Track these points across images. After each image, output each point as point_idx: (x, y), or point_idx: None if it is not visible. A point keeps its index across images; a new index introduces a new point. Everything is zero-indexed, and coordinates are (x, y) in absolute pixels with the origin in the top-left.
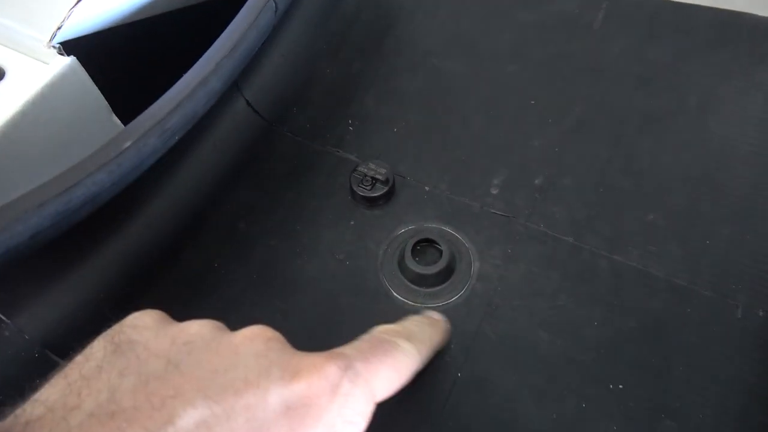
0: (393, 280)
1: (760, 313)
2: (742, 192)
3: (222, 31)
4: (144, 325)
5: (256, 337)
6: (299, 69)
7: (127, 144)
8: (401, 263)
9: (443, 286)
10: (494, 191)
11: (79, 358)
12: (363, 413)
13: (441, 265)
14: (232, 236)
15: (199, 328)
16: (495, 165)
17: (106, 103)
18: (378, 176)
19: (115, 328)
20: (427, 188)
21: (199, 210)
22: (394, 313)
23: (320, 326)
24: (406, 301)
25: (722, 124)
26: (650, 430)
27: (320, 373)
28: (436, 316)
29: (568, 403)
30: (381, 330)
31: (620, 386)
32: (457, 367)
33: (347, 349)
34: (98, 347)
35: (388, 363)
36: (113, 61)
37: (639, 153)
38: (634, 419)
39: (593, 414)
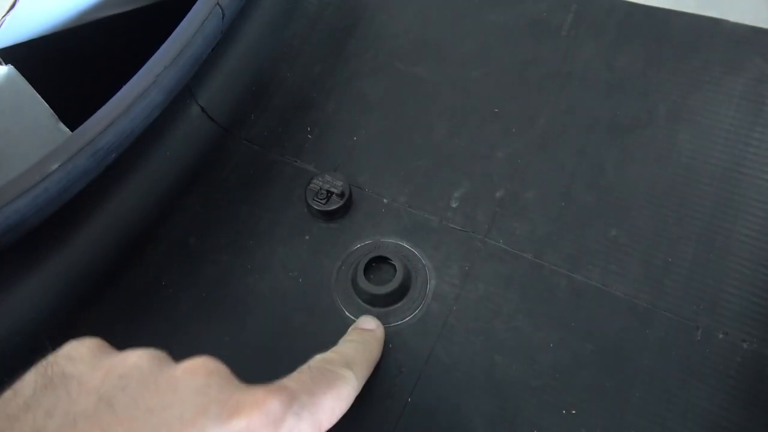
0: (346, 299)
1: (720, 336)
2: (708, 209)
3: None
4: (79, 357)
5: (197, 370)
6: (257, 73)
7: (54, 167)
8: (354, 282)
9: (397, 305)
10: (454, 204)
11: (7, 394)
12: None
13: (394, 284)
14: (181, 252)
15: (137, 359)
16: (456, 177)
17: (51, 111)
18: (334, 189)
19: (50, 360)
20: (385, 201)
21: (147, 224)
22: (345, 333)
23: (272, 348)
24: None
25: (691, 137)
26: None
27: (261, 410)
28: (368, 324)
29: (520, 430)
30: (320, 360)
31: (573, 412)
32: (408, 392)
33: (290, 382)
34: (29, 382)
35: (332, 393)
36: (59, 68)
37: (604, 166)
38: None
39: None
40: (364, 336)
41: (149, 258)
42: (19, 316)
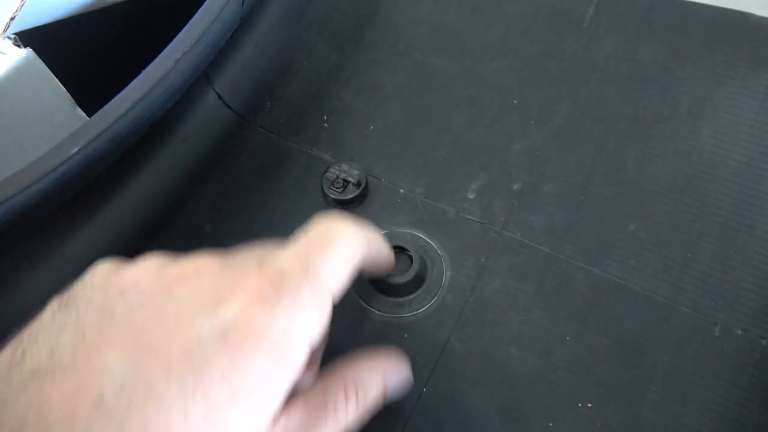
0: (362, 288)
1: (739, 332)
2: (729, 205)
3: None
4: (91, 283)
5: (188, 273)
6: (274, 61)
7: (74, 150)
8: None
9: (413, 295)
10: (471, 196)
11: (32, 323)
12: (314, 322)
13: (410, 275)
14: (196, 239)
15: (136, 271)
16: (473, 168)
17: (68, 95)
18: (350, 178)
19: (68, 289)
20: (401, 191)
21: (162, 211)
22: (361, 323)
23: None
24: (373, 310)
25: (713, 132)
26: None
27: (253, 296)
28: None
29: (535, 422)
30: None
31: (589, 406)
32: (423, 382)
33: (283, 257)
34: (48, 309)
35: (330, 257)
36: (77, 52)
37: (624, 160)
38: None
39: None
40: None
41: (164, 245)
42: (37, 299)
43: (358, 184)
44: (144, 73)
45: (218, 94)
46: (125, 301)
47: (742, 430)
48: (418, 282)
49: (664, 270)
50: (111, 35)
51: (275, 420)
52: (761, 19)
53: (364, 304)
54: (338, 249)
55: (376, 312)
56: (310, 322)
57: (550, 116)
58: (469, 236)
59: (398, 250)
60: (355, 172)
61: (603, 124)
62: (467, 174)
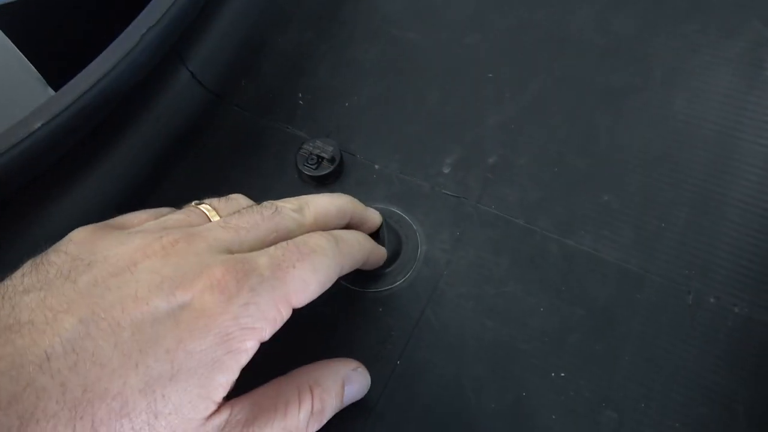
0: None
1: (711, 300)
2: (702, 174)
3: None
4: (66, 246)
5: (160, 249)
6: (248, 38)
7: (38, 125)
8: None
9: (388, 270)
10: (446, 170)
11: (5, 281)
12: (268, 319)
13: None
14: None
15: (107, 243)
16: (448, 143)
17: (38, 74)
18: (324, 155)
19: (45, 252)
20: (377, 167)
21: (136, 189)
22: (337, 297)
23: None
24: (349, 285)
25: (686, 101)
26: (590, 419)
27: (211, 283)
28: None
29: (508, 392)
30: (305, 234)
31: (562, 375)
32: (397, 355)
33: (259, 256)
34: (20, 270)
35: (303, 265)
36: (46, 32)
37: (598, 131)
38: (574, 409)
39: (533, 404)
40: (367, 238)
41: None
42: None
43: (332, 160)
44: (109, 48)
45: (191, 73)
46: (91, 272)
47: (713, 396)
48: (393, 256)
49: (636, 240)
50: (82, 14)
51: (217, 409)
52: None
53: (340, 279)
54: (314, 261)
55: (351, 287)
56: (263, 320)
57: (524, 89)
58: (445, 210)
59: None
60: (330, 149)
61: (576, 96)
62: (442, 149)
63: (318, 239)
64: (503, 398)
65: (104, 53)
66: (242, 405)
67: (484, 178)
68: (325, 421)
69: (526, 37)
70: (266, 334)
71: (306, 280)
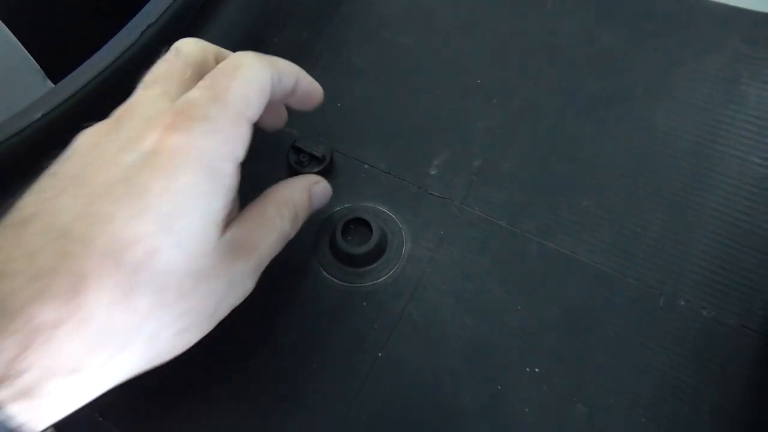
0: (324, 258)
1: (682, 303)
2: (679, 182)
3: None
4: (71, 147)
5: (114, 123)
6: (245, 36)
7: (38, 115)
8: (332, 242)
9: (373, 266)
10: (433, 172)
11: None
12: (231, 139)
13: (370, 245)
14: None
15: (77, 143)
16: (437, 145)
17: (39, 67)
18: (315, 153)
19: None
20: (366, 166)
21: None
22: (322, 291)
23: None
24: (334, 279)
25: (667, 112)
26: (562, 413)
27: (167, 126)
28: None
29: (485, 386)
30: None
31: (537, 370)
32: (379, 347)
33: (194, 91)
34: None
35: (235, 82)
36: (47, 26)
37: (582, 138)
38: (546, 402)
39: (507, 397)
40: None
41: None
42: None
43: (322, 159)
44: (109, 43)
45: None
46: (65, 163)
47: (680, 394)
48: (378, 252)
49: (614, 244)
50: (82, 9)
51: (220, 231)
52: (715, 4)
53: (325, 273)
54: (244, 73)
55: (337, 281)
56: (226, 138)
57: (512, 96)
58: (430, 210)
59: (359, 221)
60: (321, 147)
61: (562, 104)
62: (430, 151)
63: (237, 56)
64: (480, 391)
65: (104, 48)
66: (240, 226)
67: (469, 180)
68: (300, 225)
69: (516, 45)
70: (239, 153)
71: (245, 94)
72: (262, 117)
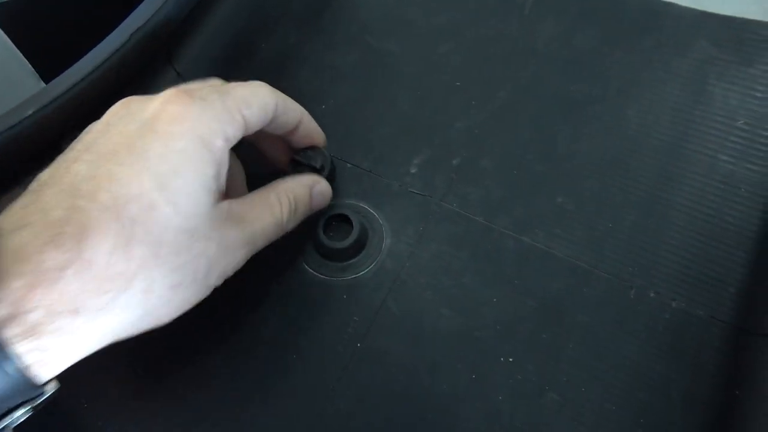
0: (306, 253)
1: (651, 294)
2: (650, 180)
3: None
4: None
5: (124, 106)
6: (234, 41)
7: (29, 112)
8: (315, 237)
9: (354, 260)
10: (413, 170)
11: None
12: (225, 120)
13: (350, 240)
14: None
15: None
16: (417, 145)
17: (33, 70)
18: (313, 164)
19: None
20: (349, 165)
21: None
22: (304, 284)
23: (236, 294)
24: (316, 273)
25: (639, 113)
26: (535, 401)
27: (169, 97)
28: None
29: (460, 375)
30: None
31: (510, 360)
32: (358, 339)
33: (201, 84)
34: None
35: (242, 87)
36: (42, 29)
37: (556, 138)
38: (519, 391)
39: (482, 385)
40: None
41: None
42: None
43: (321, 169)
44: (100, 45)
45: (177, 72)
46: (87, 138)
47: (650, 383)
48: (358, 247)
49: (587, 239)
50: (76, 12)
51: (213, 197)
52: (684, 8)
53: (307, 267)
54: (251, 87)
55: (318, 275)
56: (219, 118)
57: (490, 97)
58: (410, 207)
59: (341, 217)
60: (318, 157)
61: (539, 105)
62: (411, 150)
63: (249, 84)
64: (455, 380)
65: (95, 50)
66: (239, 202)
67: (448, 178)
68: (300, 220)
69: (495, 48)
70: (230, 134)
71: (246, 96)
72: (263, 141)
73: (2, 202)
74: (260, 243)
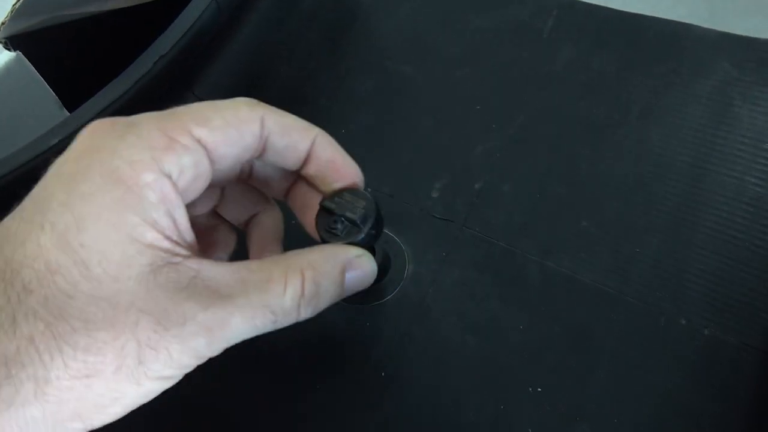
0: None
1: (683, 322)
2: (674, 202)
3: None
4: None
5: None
6: (253, 68)
7: (54, 141)
8: None
9: (376, 286)
10: (435, 195)
11: None
12: (154, 147)
13: None
14: None
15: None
16: (437, 169)
17: (56, 96)
18: (352, 215)
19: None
20: (369, 190)
21: None
22: (326, 311)
23: None
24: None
25: (661, 135)
26: None
27: (88, 131)
28: None
29: (487, 404)
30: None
31: (539, 389)
32: (382, 367)
33: None
34: None
35: (205, 105)
36: (65, 57)
37: (578, 161)
38: (549, 421)
39: (510, 415)
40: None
41: None
42: None
43: (361, 222)
44: (123, 74)
45: (198, 98)
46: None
47: (682, 412)
48: (380, 273)
49: (613, 263)
50: (98, 42)
51: (151, 252)
52: (704, 30)
53: None
54: (221, 101)
55: (341, 302)
56: (153, 143)
57: (510, 121)
58: (432, 232)
59: None
60: (359, 206)
61: (559, 128)
62: (432, 174)
63: (219, 100)
64: (482, 410)
65: (118, 78)
66: (223, 268)
67: (470, 203)
68: (322, 308)
69: (513, 72)
70: (169, 161)
71: (203, 112)
72: (292, 193)
73: None
74: (235, 333)
